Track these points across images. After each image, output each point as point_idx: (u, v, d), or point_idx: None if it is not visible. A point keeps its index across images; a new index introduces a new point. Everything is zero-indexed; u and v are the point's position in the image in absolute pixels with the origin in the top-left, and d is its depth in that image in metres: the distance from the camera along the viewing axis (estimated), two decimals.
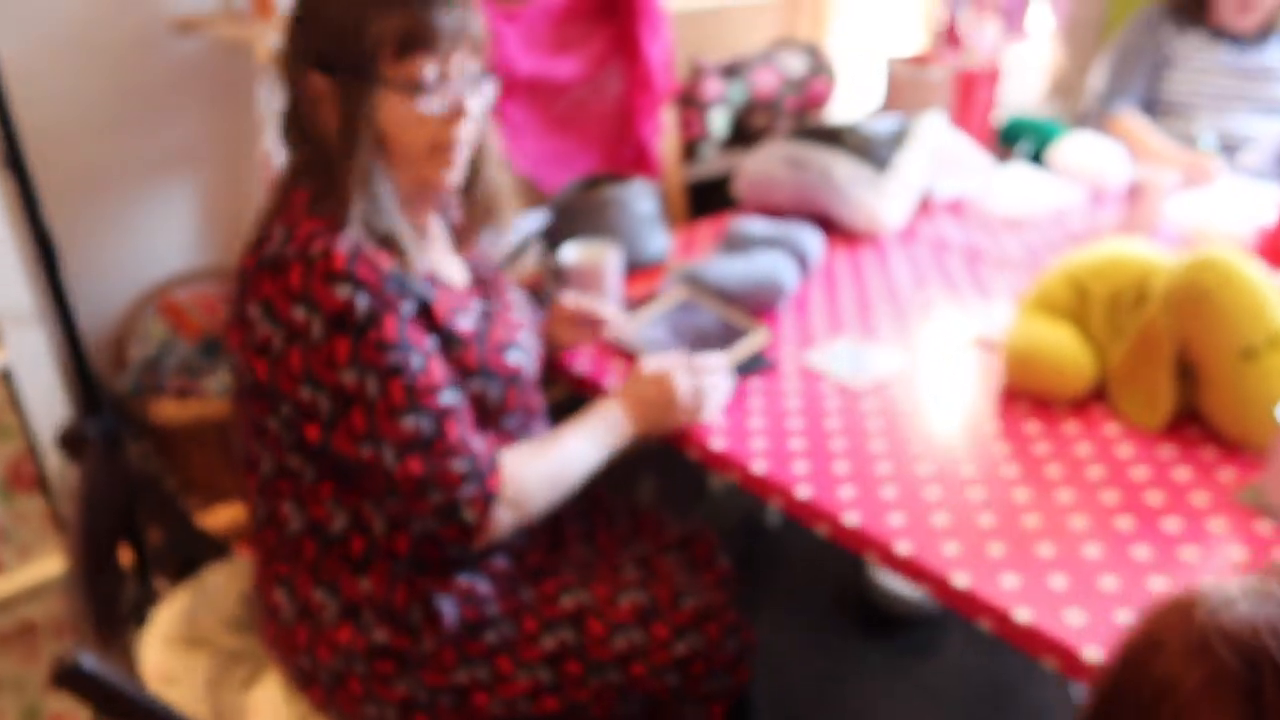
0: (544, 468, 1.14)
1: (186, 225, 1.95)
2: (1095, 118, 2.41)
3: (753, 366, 1.37)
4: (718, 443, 1.23)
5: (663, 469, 2.22)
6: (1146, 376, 1.24)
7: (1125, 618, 0.96)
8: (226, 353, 1.11)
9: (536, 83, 1.76)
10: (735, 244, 1.65)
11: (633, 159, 1.95)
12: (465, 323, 1.12)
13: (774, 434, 1.24)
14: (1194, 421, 1.25)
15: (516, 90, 1.72)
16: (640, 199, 1.65)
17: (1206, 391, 1.21)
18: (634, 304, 1.56)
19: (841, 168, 1.82)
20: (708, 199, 2.42)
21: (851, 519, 1.09)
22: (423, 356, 1.04)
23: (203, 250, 1.94)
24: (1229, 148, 2.30)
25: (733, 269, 1.53)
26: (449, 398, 1.06)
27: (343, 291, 1.00)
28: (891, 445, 1.22)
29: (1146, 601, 0.96)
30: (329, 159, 1.05)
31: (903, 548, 1.05)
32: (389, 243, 1.05)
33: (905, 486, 1.14)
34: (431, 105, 1.05)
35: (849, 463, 1.18)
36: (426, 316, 1.08)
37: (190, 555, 1.31)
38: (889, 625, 2.02)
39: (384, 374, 1.01)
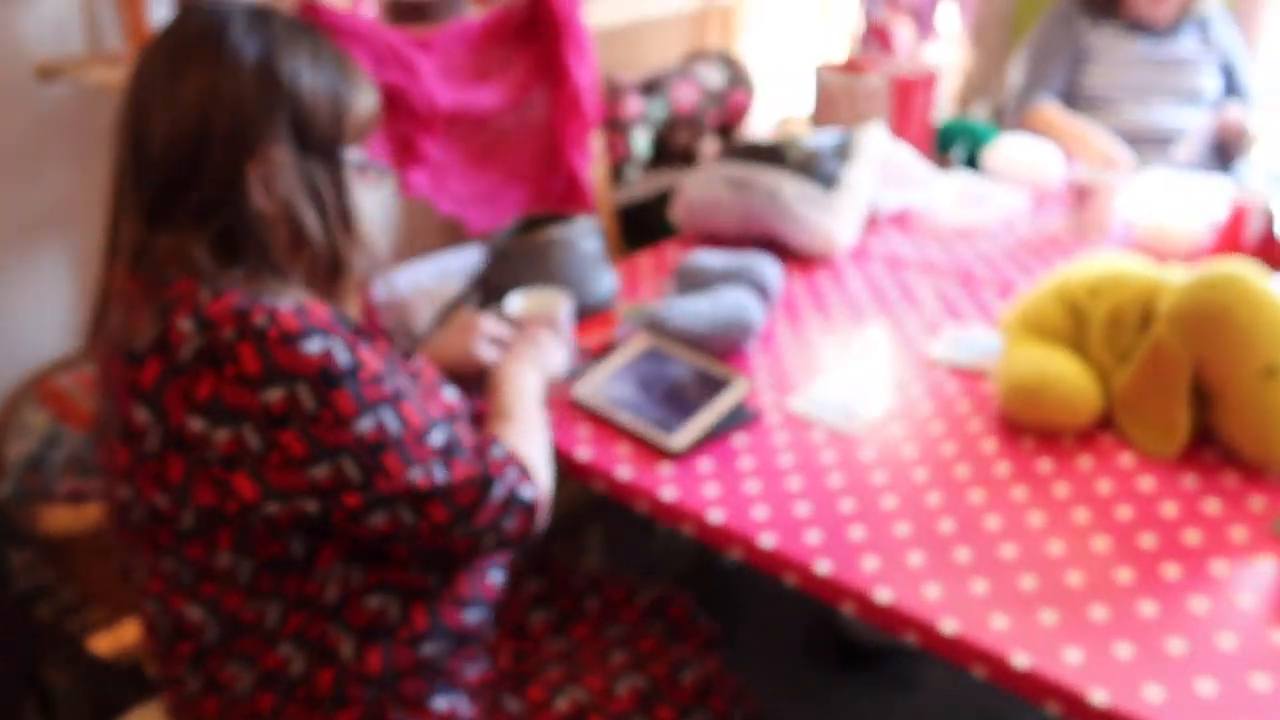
0: (536, 440, 1.10)
1: (63, 298, 1.72)
2: (1014, 113, 2.37)
3: (736, 419, 1.25)
4: (716, 515, 1.10)
5: (609, 515, 2.08)
6: (1158, 402, 1.16)
7: (1208, 688, 0.86)
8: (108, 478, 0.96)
9: (457, 115, 1.60)
10: (690, 280, 1.52)
11: (563, 190, 1.80)
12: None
13: (775, 498, 1.12)
14: (1207, 444, 1.18)
15: (435, 126, 1.56)
16: (585, 237, 1.51)
17: (1224, 413, 1.14)
18: (590, 355, 1.42)
19: (789, 187, 1.72)
20: (635, 225, 2.29)
21: (883, 596, 0.98)
22: (398, 373, 0.99)
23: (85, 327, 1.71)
24: (1159, 141, 2.30)
25: (696, 310, 1.40)
26: (449, 396, 1.10)
27: (313, 346, 0.89)
28: (905, 501, 1.11)
29: (1224, 668, 0.87)
30: (261, 233, 0.95)
31: (949, 626, 0.93)
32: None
33: (933, 551, 1.03)
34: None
35: (865, 527, 1.07)
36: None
37: (104, 698, 1.11)
38: (867, 659, 1.92)
39: (393, 404, 0.93)
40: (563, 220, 1.54)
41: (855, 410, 1.28)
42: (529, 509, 1.00)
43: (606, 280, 1.56)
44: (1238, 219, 1.64)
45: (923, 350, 1.43)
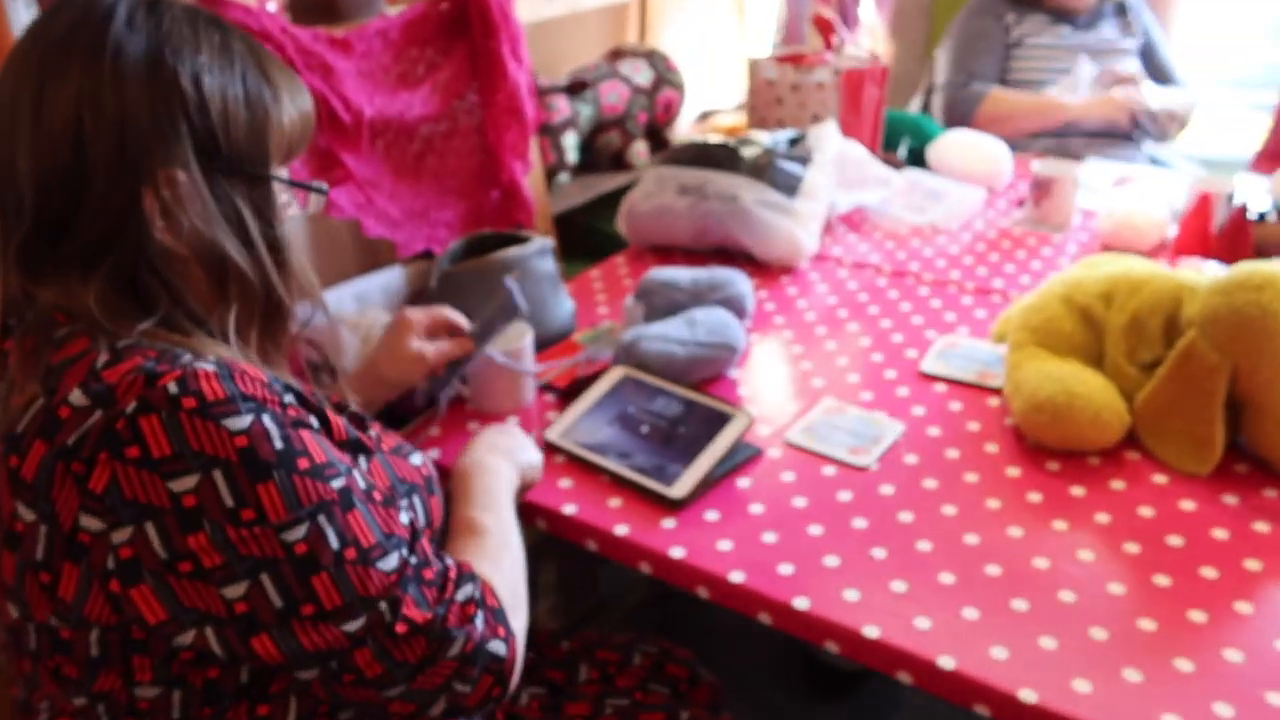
0: (512, 563, 0.90)
1: None
2: (954, 106, 2.31)
3: (740, 457, 1.12)
4: (737, 577, 0.96)
5: (557, 549, 1.92)
6: (1191, 414, 1.08)
7: None
8: None
9: (382, 125, 1.42)
10: (656, 300, 1.38)
11: (501, 203, 1.63)
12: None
13: (800, 550, 0.99)
14: (1236, 459, 1.10)
15: (359, 137, 1.37)
16: (539, 258, 1.36)
17: (1262, 424, 1.07)
18: (559, 391, 1.27)
19: (747, 192, 1.59)
20: (563, 236, 2.14)
21: (946, 663, 0.86)
22: (351, 468, 0.78)
23: None
24: (1091, 134, 2.27)
25: (676, 335, 1.26)
26: (405, 512, 0.82)
27: (240, 420, 0.70)
28: (941, 544, 0.99)
29: None
30: (170, 275, 0.76)
31: (1028, 696, 0.82)
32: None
33: (986, 603, 0.92)
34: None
35: (909, 583, 0.95)
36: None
37: None
38: (841, 683, 1.82)
39: (337, 509, 0.73)
40: (512, 239, 1.38)
41: (862, 439, 1.16)
42: (498, 670, 0.79)
43: (565, 305, 1.41)
44: (1203, 207, 1.59)
45: (913, 363, 1.33)
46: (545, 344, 1.34)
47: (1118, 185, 1.88)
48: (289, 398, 0.75)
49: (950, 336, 1.39)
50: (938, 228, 1.76)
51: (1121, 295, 1.15)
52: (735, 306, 1.38)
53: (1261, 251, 1.53)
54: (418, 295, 1.44)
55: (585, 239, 2.16)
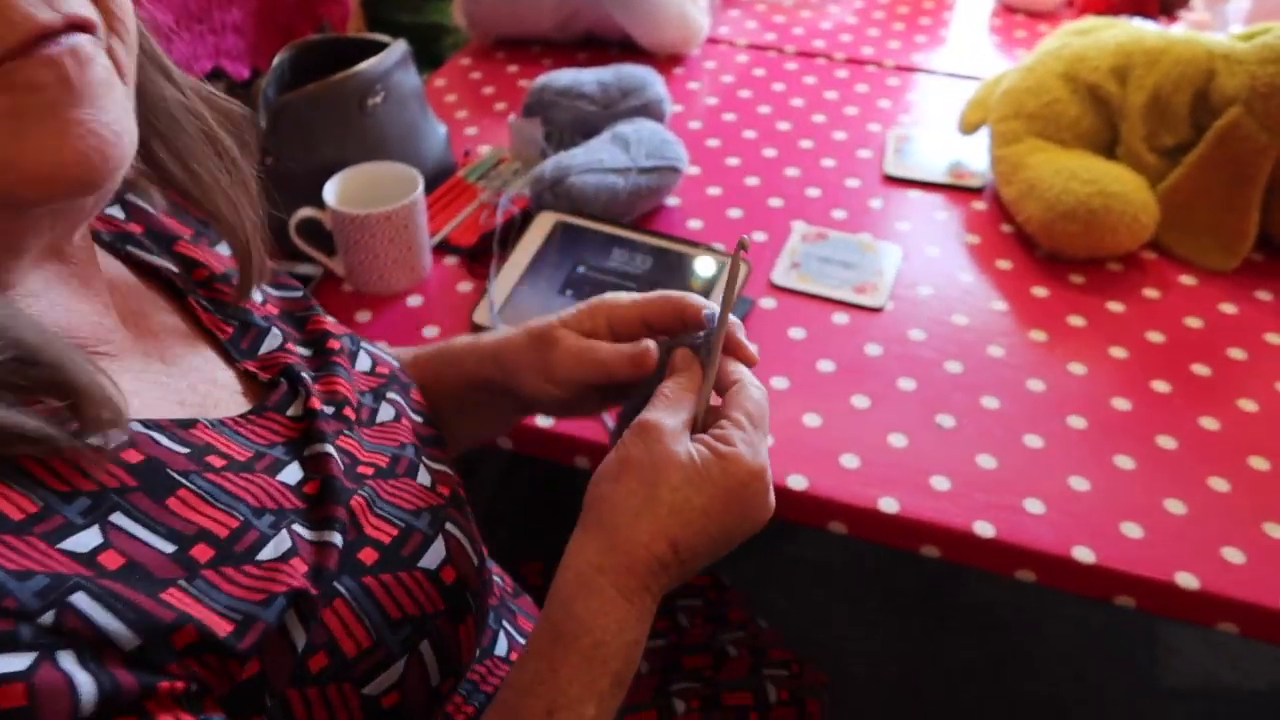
0: None
1: None
2: None
3: (737, 315, 0.88)
4: (797, 483, 0.75)
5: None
6: (1225, 204, 0.95)
7: None
8: None
9: None
10: (560, 115, 1.08)
11: None
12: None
13: (856, 435, 0.79)
14: (1256, 252, 1.00)
15: None
16: (403, 70, 1.00)
17: None
18: (463, 252, 0.97)
19: None
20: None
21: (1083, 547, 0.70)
22: None
23: None
24: None
25: (612, 162, 0.97)
26: None
27: None
28: (1009, 400, 0.83)
29: None
30: None
31: (1131, 531, 0.69)
32: None
33: (1090, 459, 0.77)
34: None
35: (996, 459, 0.78)
36: None
37: None
38: None
39: None
40: (353, 46, 1.01)
41: (863, 271, 0.95)
42: None
43: (438, 131, 1.07)
44: None
45: (870, 165, 1.12)
46: (426, 187, 1.01)
47: None
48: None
49: (897, 130, 1.18)
50: None
51: (1139, 69, 0.98)
52: (655, 113, 1.10)
53: (1166, 9, 1.42)
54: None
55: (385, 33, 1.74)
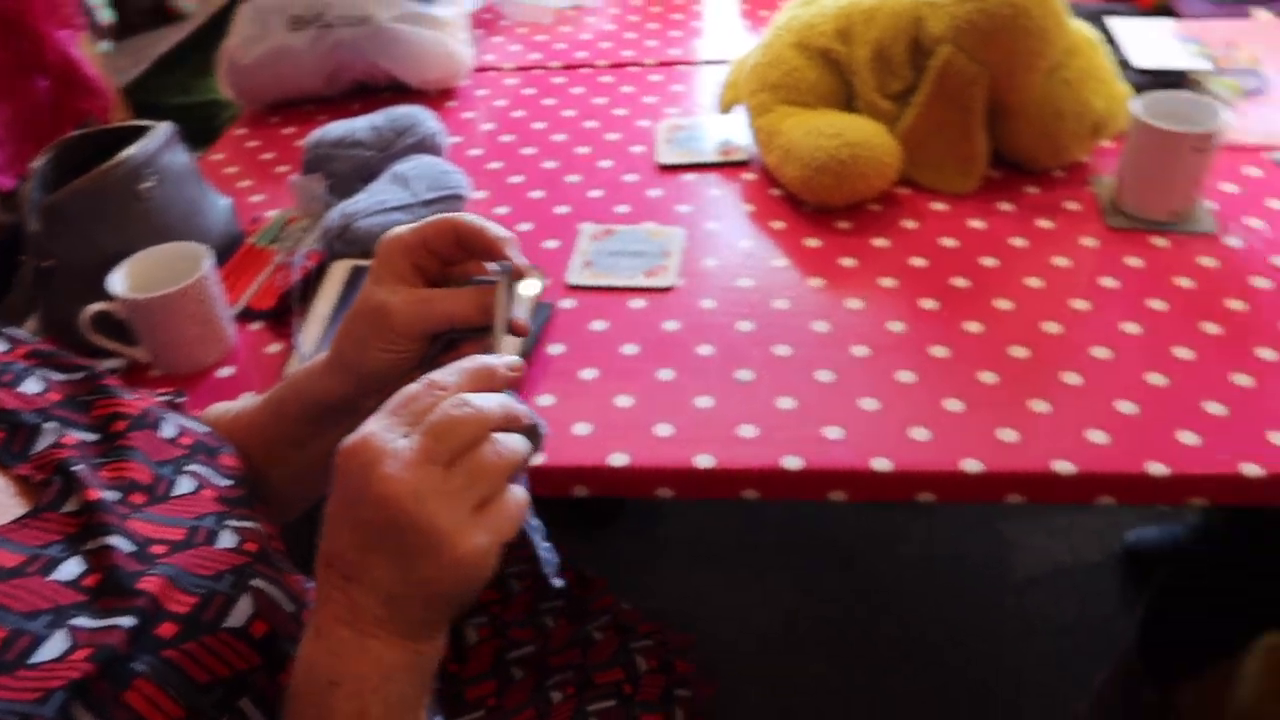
0: None
1: None
2: None
3: (539, 322, 0.93)
4: (618, 460, 0.80)
5: None
6: (954, 133, 1.05)
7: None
8: None
9: None
10: (339, 166, 1.10)
11: (56, 92, 1.20)
12: None
13: (668, 403, 0.85)
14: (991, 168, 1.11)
15: None
16: (170, 151, 1.00)
17: (1015, 125, 1.06)
18: (263, 315, 0.98)
19: (379, 8, 1.30)
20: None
21: (881, 465, 0.78)
22: None
23: None
24: None
25: (394, 200, 1.00)
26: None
27: None
28: (801, 347, 0.90)
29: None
30: None
31: (971, 466, 0.77)
32: None
33: (892, 389, 0.84)
34: None
35: (796, 399, 0.84)
36: None
37: None
38: (604, 515, 1.76)
39: None
40: (116, 135, 1.01)
41: (650, 257, 1.01)
42: None
43: (220, 203, 1.07)
44: None
45: (645, 159, 1.19)
46: (217, 259, 1.02)
47: None
48: None
49: (666, 121, 1.25)
50: (583, 8, 1.58)
51: (858, 28, 1.07)
52: (431, 148, 1.13)
53: None
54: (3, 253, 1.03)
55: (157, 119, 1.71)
